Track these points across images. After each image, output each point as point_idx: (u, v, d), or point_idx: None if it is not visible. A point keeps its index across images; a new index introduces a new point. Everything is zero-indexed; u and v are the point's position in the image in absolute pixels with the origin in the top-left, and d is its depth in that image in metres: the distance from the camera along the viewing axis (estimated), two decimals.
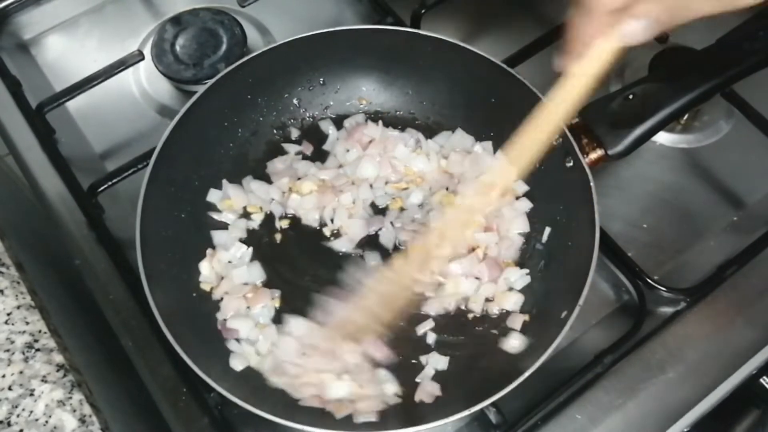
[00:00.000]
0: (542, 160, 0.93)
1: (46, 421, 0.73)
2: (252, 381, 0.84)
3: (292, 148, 1.01)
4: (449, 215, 0.87)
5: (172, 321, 0.79)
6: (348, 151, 0.99)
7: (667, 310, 0.91)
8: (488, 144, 0.99)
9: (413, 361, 0.87)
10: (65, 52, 1.17)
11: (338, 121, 1.03)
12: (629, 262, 0.91)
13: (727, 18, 1.04)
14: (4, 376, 0.75)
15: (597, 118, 0.88)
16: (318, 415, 0.80)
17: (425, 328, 0.88)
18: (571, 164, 0.88)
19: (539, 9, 1.19)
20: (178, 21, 1.11)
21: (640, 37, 0.69)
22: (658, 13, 0.66)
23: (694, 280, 0.91)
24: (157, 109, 1.10)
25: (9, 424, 0.72)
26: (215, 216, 0.95)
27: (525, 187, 0.96)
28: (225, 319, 0.88)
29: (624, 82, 1.08)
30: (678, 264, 0.95)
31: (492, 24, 1.18)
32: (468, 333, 0.89)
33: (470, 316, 0.90)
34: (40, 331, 0.79)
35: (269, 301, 0.89)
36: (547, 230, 0.93)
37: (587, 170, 0.86)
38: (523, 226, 0.94)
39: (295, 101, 1.03)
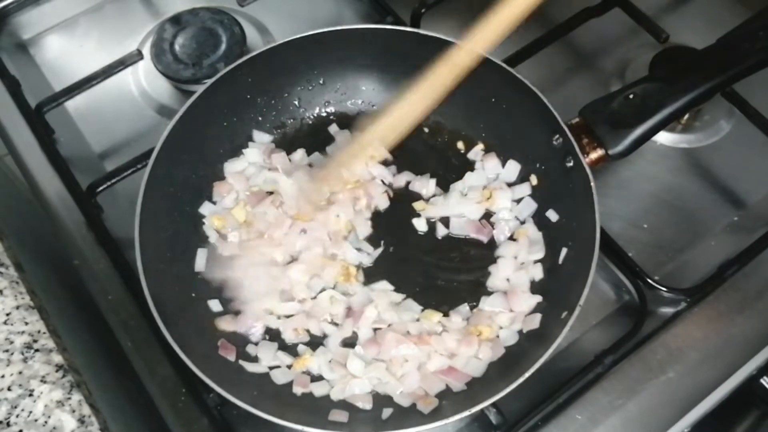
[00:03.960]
0: (543, 160, 0.94)
1: (46, 422, 0.73)
2: (251, 382, 0.84)
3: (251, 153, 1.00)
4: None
5: (171, 321, 0.79)
6: None
7: (668, 310, 0.90)
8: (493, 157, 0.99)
9: None
10: (64, 52, 1.17)
11: (339, 120, 1.03)
12: (630, 263, 0.91)
13: (727, 18, 1.05)
14: (3, 376, 0.75)
15: (597, 118, 0.88)
16: (317, 415, 0.80)
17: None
18: (572, 164, 0.88)
19: (539, 9, 1.18)
20: (177, 20, 1.11)
21: None
22: None
23: (695, 280, 0.91)
24: (156, 109, 1.10)
25: (8, 425, 0.72)
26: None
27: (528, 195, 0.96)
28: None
29: (624, 81, 1.08)
30: (678, 264, 0.95)
31: None
32: None
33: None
34: (39, 332, 0.79)
35: None
36: (548, 231, 0.93)
37: (588, 170, 0.86)
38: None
39: (294, 101, 1.03)
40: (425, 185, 0.97)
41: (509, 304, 0.88)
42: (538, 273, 0.91)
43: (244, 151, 0.99)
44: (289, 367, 0.86)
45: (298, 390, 0.83)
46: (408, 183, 0.99)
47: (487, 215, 0.96)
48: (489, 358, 0.85)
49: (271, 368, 0.85)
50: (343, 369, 0.84)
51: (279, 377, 0.85)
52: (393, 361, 0.85)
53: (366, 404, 0.82)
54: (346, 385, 0.83)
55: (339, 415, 0.80)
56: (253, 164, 0.98)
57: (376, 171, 0.98)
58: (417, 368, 0.84)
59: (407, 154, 1.01)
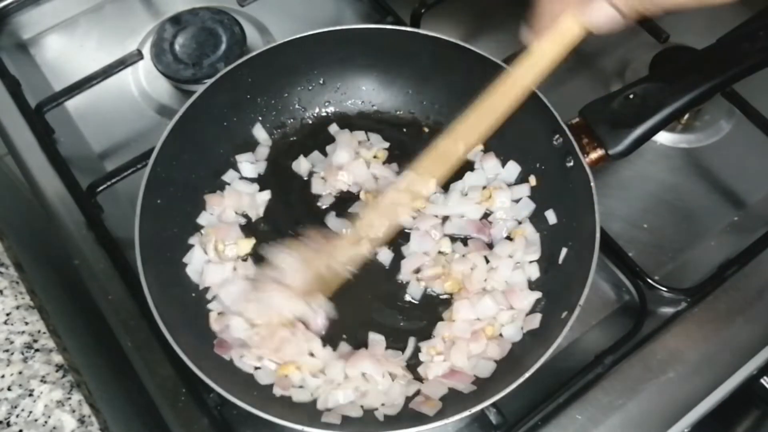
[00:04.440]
0: (543, 160, 0.94)
1: (46, 422, 0.73)
2: (251, 381, 0.84)
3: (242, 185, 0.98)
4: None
5: (171, 321, 0.79)
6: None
7: (668, 310, 0.91)
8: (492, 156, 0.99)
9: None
10: (64, 52, 1.17)
11: (339, 120, 1.03)
12: (630, 263, 0.91)
13: (727, 18, 1.05)
14: (3, 376, 0.75)
15: (597, 118, 0.87)
16: (316, 415, 0.80)
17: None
18: (572, 164, 0.88)
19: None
20: (177, 20, 1.11)
21: (607, 25, 0.68)
22: (628, 1, 0.65)
23: (695, 280, 0.91)
24: (156, 109, 1.10)
25: (8, 425, 0.72)
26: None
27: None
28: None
29: (624, 81, 1.08)
30: (678, 264, 0.95)
31: (492, 24, 1.18)
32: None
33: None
34: (39, 332, 0.79)
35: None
36: (548, 230, 0.93)
37: (588, 170, 0.86)
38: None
39: (294, 101, 1.03)
40: (425, 185, 0.97)
41: (508, 301, 0.88)
42: (534, 272, 0.91)
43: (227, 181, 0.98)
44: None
45: (278, 391, 0.83)
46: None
47: (485, 215, 0.96)
48: (497, 356, 0.85)
49: (256, 368, 0.85)
50: (324, 376, 0.84)
51: (263, 378, 0.84)
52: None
53: (356, 412, 0.81)
54: (329, 394, 0.82)
55: (332, 417, 0.80)
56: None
57: (379, 171, 0.98)
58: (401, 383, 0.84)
59: (407, 154, 1.01)
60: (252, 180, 0.99)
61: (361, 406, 0.82)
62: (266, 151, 1.01)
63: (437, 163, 0.87)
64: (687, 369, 0.86)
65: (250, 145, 1.01)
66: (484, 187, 0.97)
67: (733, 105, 1.02)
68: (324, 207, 0.97)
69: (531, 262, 0.91)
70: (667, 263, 0.95)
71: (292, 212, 0.97)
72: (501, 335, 0.87)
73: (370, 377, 0.83)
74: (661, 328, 0.89)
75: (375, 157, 1.00)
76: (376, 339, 0.87)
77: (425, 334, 0.88)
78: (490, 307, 0.87)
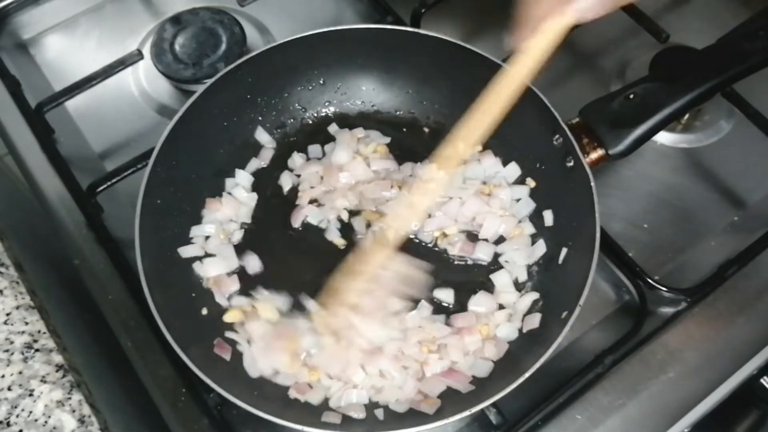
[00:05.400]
0: (543, 160, 0.94)
1: (46, 422, 0.73)
2: (251, 381, 0.84)
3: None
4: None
5: (171, 321, 0.79)
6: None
7: (668, 310, 0.90)
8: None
9: None
10: (64, 52, 1.17)
11: (339, 120, 1.03)
12: (630, 262, 0.91)
13: (727, 18, 1.05)
14: (3, 376, 0.75)
15: (597, 118, 0.87)
16: (316, 415, 0.80)
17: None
18: (572, 164, 0.88)
19: None
20: (177, 20, 1.11)
21: (591, 14, 0.70)
22: None
23: (695, 280, 0.91)
24: (156, 109, 1.10)
25: (8, 425, 0.72)
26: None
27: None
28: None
29: (624, 81, 1.08)
30: (678, 264, 0.95)
31: (492, 24, 1.18)
32: None
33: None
34: (39, 332, 0.79)
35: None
36: (548, 230, 0.93)
37: (588, 170, 0.86)
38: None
39: (294, 101, 1.03)
40: (428, 171, 0.97)
41: (504, 301, 0.89)
42: (533, 272, 0.91)
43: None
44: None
45: (292, 394, 0.83)
46: (411, 175, 0.98)
47: None
48: (493, 357, 0.85)
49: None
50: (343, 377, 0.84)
51: (283, 379, 0.84)
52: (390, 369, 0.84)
53: (359, 414, 0.82)
54: (343, 393, 0.83)
55: (332, 417, 0.80)
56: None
57: (379, 166, 0.98)
58: (413, 375, 0.84)
59: (406, 153, 1.01)
60: (251, 182, 0.99)
61: (365, 405, 0.82)
62: (271, 154, 1.01)
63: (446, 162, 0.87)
64: (687, 369, 0.86)
65: (251, 145, 1.01)
66: (484, 183, 0.97)
67: (733, 105, 1.02)
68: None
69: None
70: (667, 263, 0.95)
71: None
72: (496, 335, 0.87)
73: (387, 373, 0.83)
74: (661, 328, 0.89)
75: (374, 151, 0.99)
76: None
77: None
78: (486, 304, 0.87)
